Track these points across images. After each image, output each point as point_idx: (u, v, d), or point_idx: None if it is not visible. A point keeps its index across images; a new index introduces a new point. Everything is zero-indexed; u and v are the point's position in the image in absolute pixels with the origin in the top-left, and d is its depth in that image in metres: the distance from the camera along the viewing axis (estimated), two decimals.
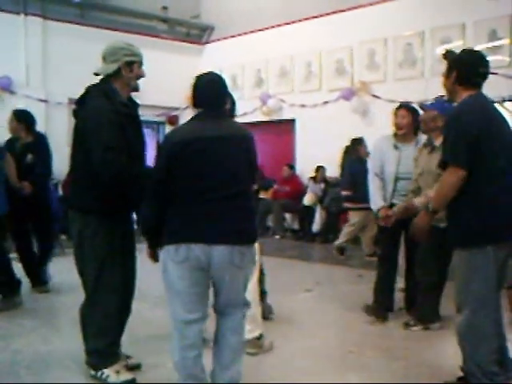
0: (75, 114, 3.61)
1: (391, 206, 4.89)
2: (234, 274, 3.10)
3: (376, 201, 4.98)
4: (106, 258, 3.48)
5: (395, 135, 5.05)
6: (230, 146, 3.12)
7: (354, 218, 8.17)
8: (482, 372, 3.19)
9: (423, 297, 4.78)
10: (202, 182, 3.05)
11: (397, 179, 4.93)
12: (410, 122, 4.97)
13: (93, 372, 3.53)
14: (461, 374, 3.41)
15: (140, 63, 3.59)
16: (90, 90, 3.53)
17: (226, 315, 3.20)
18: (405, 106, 5.15)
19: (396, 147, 4.98)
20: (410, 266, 4.99)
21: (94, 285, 3.46)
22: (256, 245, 3.52)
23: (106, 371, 3.48)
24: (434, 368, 3.82)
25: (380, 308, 5.03)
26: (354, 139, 8.65)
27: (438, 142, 4.31)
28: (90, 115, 3.39)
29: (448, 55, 3.44)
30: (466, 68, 3.30)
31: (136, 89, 3.62)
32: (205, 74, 3.27)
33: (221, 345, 3.18)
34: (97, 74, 3.57)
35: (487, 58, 3.37)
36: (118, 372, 3.51)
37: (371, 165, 5.15)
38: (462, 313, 3.24)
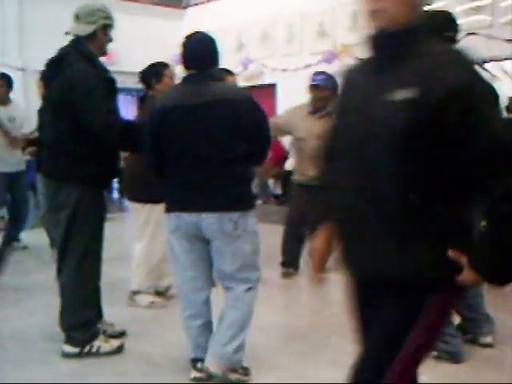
0: (48, 78, 3.43)
1: None
2: (228, 244, 2.99)
3: None
4: (96, 228, 3.45)
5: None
6: (211, 112, 2.93)
7: None
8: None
9: None
10: (184, 152, 2.97)
11: None
12: None
13: (76, 349, 3.40)
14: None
15: (112, 27, 3.49)
16: (64, 53, 3.36)
17: (228, 290, 3.12)
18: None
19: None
20: None
21: (83, 255, 3.37)
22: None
23: (96, 343, 3.44)
24: None
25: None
26: None
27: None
28: (78, 82, 3.22)
29: None
30: (432, 33, 3.21)
31: (105, 53, 3.50)
32: (194, 33, 3.10)
33: (220, 321, 3.09)
34: (68, 34, 3.41)
35: (455, 21, 3.25)
36: (106, 341, 3.50)
37: None
38: None
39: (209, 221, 2.94)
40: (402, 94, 1.62)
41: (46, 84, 3.47)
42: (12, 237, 6.02)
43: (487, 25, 7.85)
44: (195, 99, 2.95)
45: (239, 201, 3.00)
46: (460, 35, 3.32)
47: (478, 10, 7.88)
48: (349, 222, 1.80)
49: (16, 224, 6.02)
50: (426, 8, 1.93)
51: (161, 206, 4.23)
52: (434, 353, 3.32)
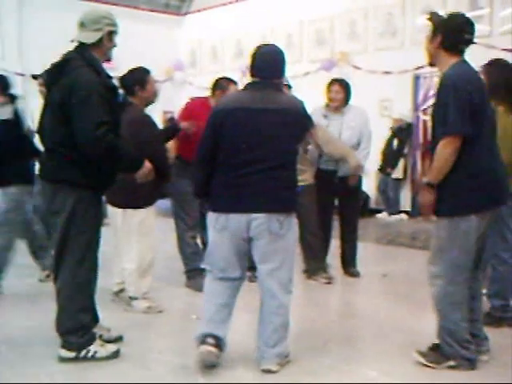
0: (49, 82, 3.42)
1: (319, 171, 5.39)
2: (272, 242, 3.19)
3: None
4: (93, 233, 3.43)
5: (327, 105, 5.43)
6: (272, 119, 3.17)
7: None
8: (454, 339, 3.23)
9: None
10: (241, 154, 3.17)
11: None
12: (344, 96, 5.36)
13: (72, 354, 3.38)
14: (435, 341, 3.42)
15: (117, 33, 3.50)
16: (69, 58, 3.35)
17: (268, 295, 3.27)
18: (339, 81, 5.48)
19: (325, 116, 5.35)
20: (344, 230, 5.59)
21: (80, 259, 3.35)
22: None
23: (92, 347, 3.41)
24: (413, 335, 3.87)
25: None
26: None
27: None
28: (78, 86, 3.22)
29: (434, 18, 3.32)
30: (452, 33, 3.21)
31: (109, 59, 3.52)
32: (265, 44, 3.40)
33: (265, 325, 3.28)
34: (73, 41, 3.41)
35: (473, 25, 3.28)
36: (102, 345, 3.48)
37: None
38: (437, 281, 3.25)
39: (259, 221, 3.15)
40: None
41: (48, 88, 3.46)
42: None
43: (486, 34, 7.89)
44: (259, 104, 3.17)
45: (286, 203, 3.25)
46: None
47: (476, 19, 7.92)
48: None
49: None
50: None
51: (143, 211, 4.31)
52: (452, 362, 3.25)
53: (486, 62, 3.97)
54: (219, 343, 3.28)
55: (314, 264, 5.36)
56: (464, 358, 3.23)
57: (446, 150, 3.08)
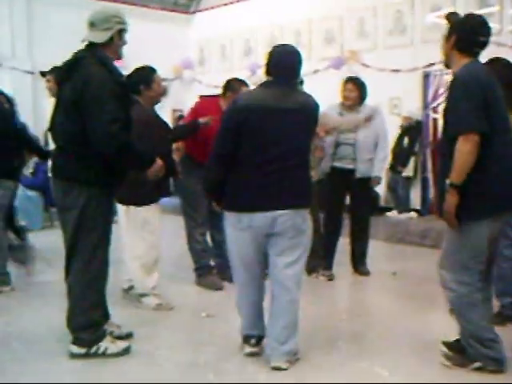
0: (62, 80, 3.45)
1: (332, 169, 5.36)
2: (294, 237, 3.25)
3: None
4: (104, 230, 3.45)
5: (342, 104, 5.44)
6: (294, 118, 3.20)
7: None
8: (476, 340, 3.18)
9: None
10: (264, 153, 3.18)
11: (338, 144, 5.32)
12: (358, 94, 5.36)
13: (83, 350, 3.40)
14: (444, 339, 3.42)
15: (126, 31, 3.51)
16: (80, 56, 3.37)
17: (281, 289, 3.29)
18: (353, 80, 5.47)
19: (341, 114, 5.37)
20: (355, 228, 5.58)
21: (90, 256, 3.37)
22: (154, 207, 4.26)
23: (103, 344, 3.44)
24: (423, 333, 3.87)
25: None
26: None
27: None
28: (91, 84, 3.23)
29: (451, 17, 3.26)
30: (467, 34, 3.15)
31: (120, 57, 3.52)
32: (282, 44, 3.41)
33: (276, 321, 3.31)
34: (84, 41, 3.42)
35: (488, 25, 3.21)
36: (113, 342, 3.50)
37: None
38: (450, 285, 3.20)
39: (285, 217, 3.20)
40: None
41: (59, 85, 3.49)
42: None
43: (496, 32, 7.83)
44: (281, 104, 3.19)
45: (307, 198, 3.35)
46: None
47: (486, 17, 7.87)
48: None
49: None
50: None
51: (146, 208, 4.32)
52: (478, 363, 3.19)
53: (485, 61, 3.88)
54: (259, 340, 3.47)
55: (313, 261, 5.33)
56: (489, 358, 3.17)
57: (465, 148, 2.97)
